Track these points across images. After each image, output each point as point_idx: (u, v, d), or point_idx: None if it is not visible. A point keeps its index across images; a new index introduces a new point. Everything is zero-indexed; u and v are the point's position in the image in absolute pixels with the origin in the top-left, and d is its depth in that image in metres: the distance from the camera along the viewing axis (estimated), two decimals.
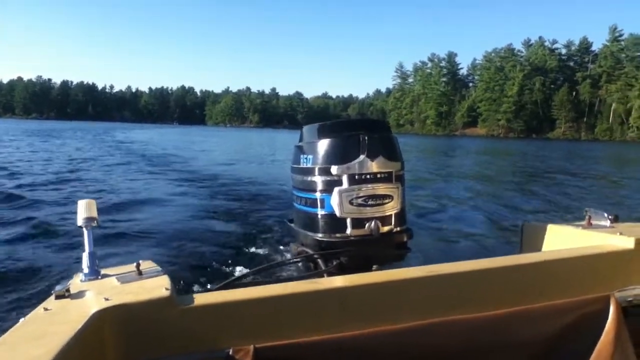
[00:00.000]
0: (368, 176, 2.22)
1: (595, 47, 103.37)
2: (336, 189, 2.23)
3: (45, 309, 1.21)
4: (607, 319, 1.58)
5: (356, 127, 2.34)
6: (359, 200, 2.23)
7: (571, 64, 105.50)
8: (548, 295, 1.59)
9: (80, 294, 1.30)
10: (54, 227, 6.22)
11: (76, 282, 1.41)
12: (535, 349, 1.52)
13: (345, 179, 2.21)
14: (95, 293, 1.29)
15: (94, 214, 1.48)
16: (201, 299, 1.33)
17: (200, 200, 9.03)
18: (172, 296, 1.28)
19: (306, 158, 2.41)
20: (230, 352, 1.24)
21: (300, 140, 2.55)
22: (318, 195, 2.31)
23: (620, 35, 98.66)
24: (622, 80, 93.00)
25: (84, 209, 1.47)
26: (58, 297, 1.28)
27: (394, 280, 1.54)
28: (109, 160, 18.27)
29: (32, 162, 16.13)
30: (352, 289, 1.48)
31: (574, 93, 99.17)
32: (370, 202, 2.24)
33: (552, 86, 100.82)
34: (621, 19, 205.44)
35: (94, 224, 1.47)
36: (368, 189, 2.22)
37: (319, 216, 2.31)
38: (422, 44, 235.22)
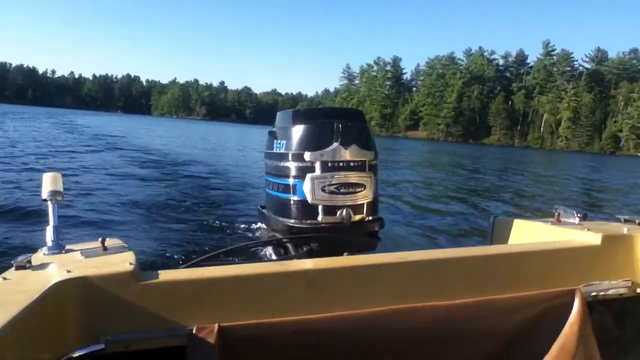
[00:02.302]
0: (341, 164, 2.21)
1: (530, 60, 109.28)
2: (309, 176, 2.20)
3: (4, 279, 1.18)
4: (572, 312, 1.62)
5: (331, 115, 2.34)
6: (332, 188, 2.21)
7: (508, 74, 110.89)
8: (516, 287, 1.61)
9: (42, 266, 1.27)
10: (19, 204, 6.06)
11: (39, 255, 1.37)
12: (501, 338, 1.56)
13: (318, 165, 2.20)
14: (58, 265, 1.25)
15: (60, 187, 1.44)
16: (166, 275, 1.30)
17: (168, 184, 8.96)
18: (136, 271, 1.25)
19: (279, 143, 2.38)
20: (194, 330, 1.24)
21: (274, 125, 2.54)
22: (291, 181, 2.28)
23: (553, 50, 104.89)
24: (554, 92, 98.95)
25: (50, 182, 1.44)
26: (18, 268, 1.24)
27: (363, 265, 1.52)
28: (62, 143, 18.12)
29: None
30: (320, 272, 1.46)
31: (509, 102, 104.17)
32: (342, 190, 2.22)
33: (490, 95, 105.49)
34: (554, 36, 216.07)
35: (59, 197, 1.43)
36: (340, 176, 2.21)
37: (291, 202, 2.28)
38: (370, 46, 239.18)
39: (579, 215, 2.09)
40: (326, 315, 1.36)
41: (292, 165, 2.27)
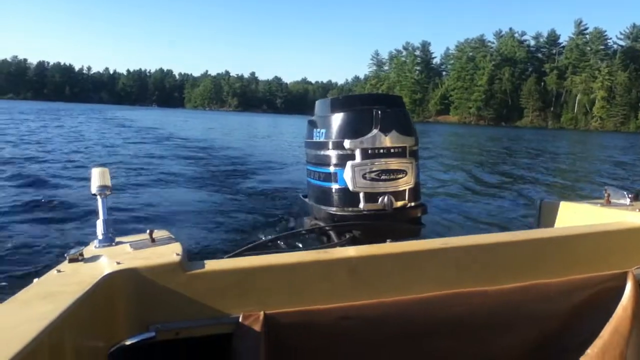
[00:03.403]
0: (381, 150, 2.19)
1: (562, 40, 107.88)
2: (349, 163, 2.20)
3: (59, 271, 1.22)
4: (624, 295, 1.59)
5: (369, 102, 2.33)
6: (372, 175, 2.19)
7: (539, 55, 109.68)
8: (566, 271, 1.58)
9: (93, 258, 1.31)
10: (69, 200, 6.25)
11: (90, 248, 1.42)
12: (552, 323, 1.55)
13: (358, 153, 2.18)
14: (108, 257, 1.29)
15: (108, 182, 1.48)
16: (212, 265, 1.33)
17: (213, 175, 9.08)
18: (183, 262, 1.28)
19: (319, 132, 2.37)
20: (241, 319, 1.27)
21: (313, 115, 2.52)
22: (331, 169, 2.27)
23: (585, 29, 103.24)
24: (587, 72, 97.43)
25: (98, 177, 1.48)
26: (72, 260, 1.29)
27: (405, 252, 1.49)
28: (113, 139, 18.76)
29: (30, 143, 15.45)
30: (363, 259, 1.44)
31: (541, 83, 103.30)
32: (383, 177, 2.20)
33: (521, 76, 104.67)
34: (587, 15, 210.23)
35: (108, 192, 1.47)
36: (381, 163, 2.19)
37: (333, 190, 2.28)
38: (399, 32, 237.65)
39: (630, 195, 2.03)
40: (370, 302, 1.38)
41: (332, 154, 2.28)
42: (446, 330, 1.45)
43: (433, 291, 1.42)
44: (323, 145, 2.33)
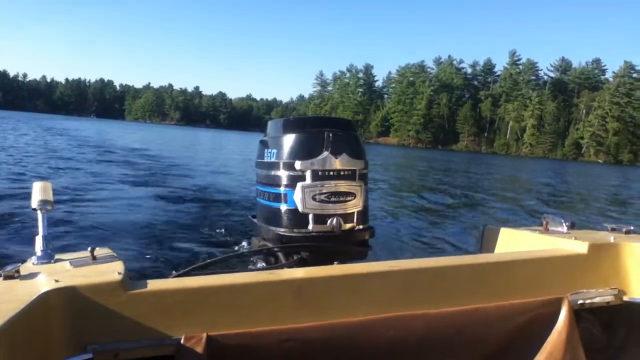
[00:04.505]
0: (331, 173, 2.20)
1: (497, 69, 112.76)
2: (299, 184, 2.20)
3: None
4: (559, 320, 1.63)
5: (321, 124, 2.35)
6: (322, 197, 2.21)
7: (475, 82, 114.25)
8: (504, 295, 1.62)
9: (30, 276, 1.26)
10: (9, 211, 6.01)
11: (28, 265, 1.37)
12: (489, 346, 1.57)
13: (308, 174, 2.19)
14: (46, 275, 1.25)
15: (49, 197, 1.44)
16: (155, 285, 1.29)
17: (158, 192, 8.85)
18: (124, 281, 1.24)
19: (270, 152, 2.38)
20: (183, 340, 1.24)
21: (265, 135, 2.53)
22: (282, 189, 2.27)
23: (519, 60, 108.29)
24: (519, 100, 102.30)
25: (39, 191, 1.43)
26: (7, 277, 1.23)
27: (352, 274, 1.51)
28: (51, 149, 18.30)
29: None
30: (310, 281, 1.45)
31: (476, 110, 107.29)
32: (332, 199, 2.21)
33: (458, 102, 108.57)
34: (522, 46, 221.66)
35: (49, 207, 1.42)
36: (331, 185, 2.21)
37: (282, 211, 2.27)
38: (344, 53, 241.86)
39: (567, 223, 2.09)
40: (315, 324, 1.37)
41: (283, 174, 2.28)
42: (388, 352, 1.45)
43: (378, 314, 1.44)
44: (274, 166, 2.33)
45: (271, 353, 1.33)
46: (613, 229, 2.11)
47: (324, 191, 2.21)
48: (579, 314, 1.75)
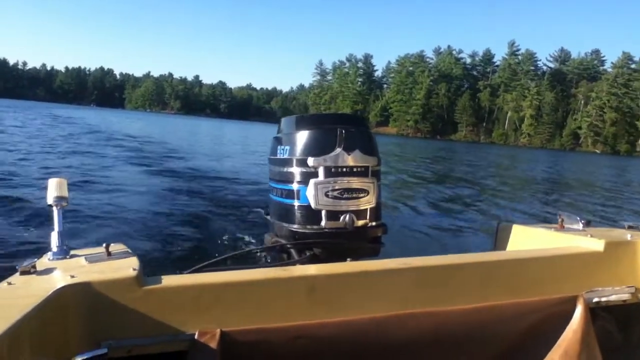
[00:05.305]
0: (344, 169, 2.22)
1: (497, 60, 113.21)
2: (312, 181, 2.22)
3: (9, 284, 1.19)
4: (574, 318, 1.61)
5: (334, 121, 2.37)
6: (335, 193, 2.22)
7: (474, 73, 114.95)
8: (518, 293, 1.61)
9: (46, 271, 1.28)
10: (25, 205, 6.04)
11: (43, 261, 1.38)
12: (503, 344, 1.56)
13: (321, 171, 2.21)
14: (62, 271, 1.26)
15: (65, 193, 1.45)
16: (169, 280, 1.30)
17: (174, 187, 8.74)
18: (139, 277, 1.26)
19: (283, 149, 2.41)
20: (196, 335, 1.25)
21: (278, 131, 2.55)
22: (294, 186, 2.30)
23: (518, 50, 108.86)
24: (517, 90, 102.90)
25: (55, 188, 1.45)
26: (23, 273, 1.25)
27: (365, 270, 1.51)
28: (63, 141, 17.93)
29: None
30: (322, 278, 1.46)
31: (475, 100, 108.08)
32: (345, 195, 2.23)
33: (457, 92, 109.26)
34: (522, 37, 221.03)
35: (64, 203, 1.44)
36: (343, 182, 2.23)
37: (295, 207, 2.30)
38: (344, 42, 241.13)
39: (582, 221, 2.08)
40: (328, 320, 1.37)
41: (295, 171, 2.28)
42: (400, 350, 1.46)
43: (390, 311, 1.44)
44: (287, 162, 2.34)
45: (284, 349, 1.34)
46: (630, 227, 2.05)
47: (336, 187, 2.21)
48: (595, 312, 1.73)
